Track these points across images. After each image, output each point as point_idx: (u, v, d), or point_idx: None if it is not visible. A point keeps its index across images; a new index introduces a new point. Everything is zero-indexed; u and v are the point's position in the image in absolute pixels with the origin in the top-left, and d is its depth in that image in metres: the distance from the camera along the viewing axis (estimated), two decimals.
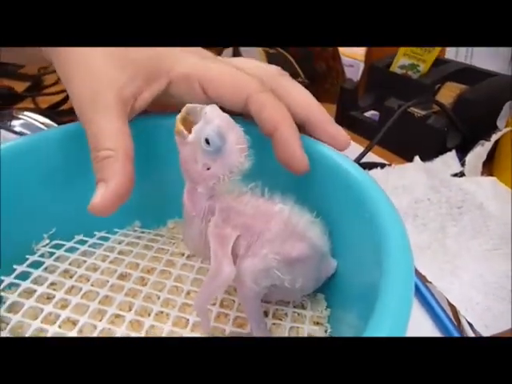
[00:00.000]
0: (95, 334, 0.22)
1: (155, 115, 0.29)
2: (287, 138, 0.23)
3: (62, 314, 0.23)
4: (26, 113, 0.43)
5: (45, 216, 0.27)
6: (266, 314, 0.24)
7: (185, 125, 0.21)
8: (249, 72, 0.25)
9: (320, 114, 0.25)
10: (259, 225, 0.21)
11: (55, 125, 0.43)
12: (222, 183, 0.21)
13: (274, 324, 0.24)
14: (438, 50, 0.49)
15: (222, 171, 0.21)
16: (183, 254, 0.29)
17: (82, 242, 0.28)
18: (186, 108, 0.21)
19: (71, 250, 0.28)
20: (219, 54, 0.61)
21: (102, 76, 0.24)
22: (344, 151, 0.25)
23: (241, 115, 0.25)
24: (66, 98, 0.56)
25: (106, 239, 0.29)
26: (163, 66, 0.25)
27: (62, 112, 0.54)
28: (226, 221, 0.21)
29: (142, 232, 0.31)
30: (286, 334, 0.23)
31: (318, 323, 0.24)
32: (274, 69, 0.28)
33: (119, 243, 0.29)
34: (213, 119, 0.20)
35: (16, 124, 0.41)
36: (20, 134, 0.39)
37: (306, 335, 0.23)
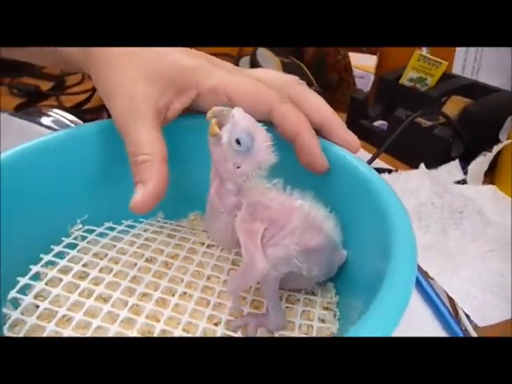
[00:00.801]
0: (126, 310, 0.24)
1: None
2: (308, 142, 0.26)
3: (96, 290, 0.25)
4: (54, 110, 0.46)
5: (79, 202, 0.30)
6: (280, 298, 0.26)
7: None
8: (269, 81, 0.28)
9: (334, 120, 0.28)
10: (283, 219, 0.23)
11: (81, 122, 0.46)
12: (249, 180, 0.23)
13: (287, 307, 0.26)
14: (445, 65, 0.51)
15: (251, 168, 0.23)
16: (203, 244, 0.31)
17: (111, 229, 0.31)
18: (213, 111, 0.23)
19: (101, 235, 0.30)
20: (236, 62, 0.64)
21: (137, 91, 0.26)
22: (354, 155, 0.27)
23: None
24: (89, 98, 0.59)
25: (132, 227, 0.32)
26: (192, 79, 0.27)
27: (85, 110, 0.57)
28: (253, 215, 0.23)
29: (165, 222, 0.33)
30: (298, 317, 0.26)
31: (327, 308, 0.27)
32: (292, 78, 0.30)
33: (145, 231, 0.31)
34: (241, 121, 0.22)
35: (45, 120, 0.44)
36: (52, 129, 0.42)
37: (316, 319, 0.26)
